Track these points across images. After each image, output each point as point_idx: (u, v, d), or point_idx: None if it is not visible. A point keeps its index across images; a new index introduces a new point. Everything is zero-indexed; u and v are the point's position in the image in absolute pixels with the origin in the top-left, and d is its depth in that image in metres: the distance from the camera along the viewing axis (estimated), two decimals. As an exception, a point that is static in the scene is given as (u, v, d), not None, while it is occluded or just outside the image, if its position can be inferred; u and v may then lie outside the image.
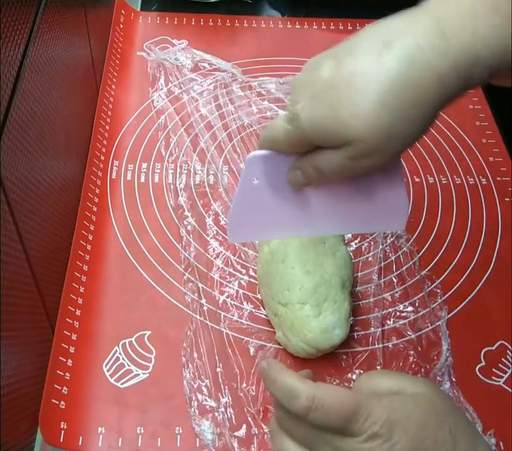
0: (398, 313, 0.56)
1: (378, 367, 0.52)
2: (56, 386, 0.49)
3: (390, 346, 0.54)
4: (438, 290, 0.58)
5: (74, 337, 0.53)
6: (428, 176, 0.68)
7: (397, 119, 0.35)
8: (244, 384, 0.51)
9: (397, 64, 0.34)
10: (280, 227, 0.48)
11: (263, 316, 0.55)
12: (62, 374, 0.50)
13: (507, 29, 0.34)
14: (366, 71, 0.35)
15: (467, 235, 0.63)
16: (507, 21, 0.34)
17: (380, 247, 0.60)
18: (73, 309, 0.54)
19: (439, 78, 0.34)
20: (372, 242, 0.61)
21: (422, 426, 0.36)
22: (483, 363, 0.54)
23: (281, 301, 0.51)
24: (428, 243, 0.61)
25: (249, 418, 0.49)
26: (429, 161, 0.69)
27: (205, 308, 0.55)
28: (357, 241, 0.61)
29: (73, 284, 0.55)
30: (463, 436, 0.37)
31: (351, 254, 0.53)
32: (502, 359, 0.54)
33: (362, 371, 0.52)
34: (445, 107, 0.36)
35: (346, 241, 0.60)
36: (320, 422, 0.35)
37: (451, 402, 0.39)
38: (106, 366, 0.51)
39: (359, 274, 0.58)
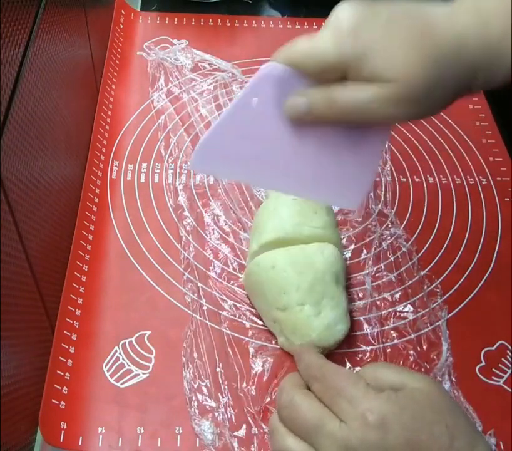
0: (398, 313, 0.56)
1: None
2: (56, 386, 0.49)
3: (390, 346, 0.54)
4: (438, 290, 0.58)
5: (74, 337, 0.53)
6: (428, 176, 0.68)
7: (438, 79, 0.37)
8: (244, 384, 0.51)
9: (450, 43, 0.37)
10: (249, 165, 0.43)
11: (263, 316, 0.55)
12: (62, 374, 0.50)
13: None
14: (429, 23, 0.38)
15: (467, 235, 0.63)
16: None
17: (377, 247, 0.60)
18: (73, 309, 0.54)
19: (472, 75, 0.38)
20: (370, 243, 0.61)
21: (417, 419, 0.37)
22: (483, 363, 0.54)
23: (279, 306, 0.50)
24: (428, 243, 0.61)
25: (249, 418, 0.49)
26: (429, 161, 0.69)
27: (205, 308, 0.55)
28: (353, 245, 0.61)
29: (73, 284, 0.55)
30: (461, 432, 0.37)
31: (341, 252, 0.53)
32: (502, 359, 0.54)
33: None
34: (463, 94, 0.40)
35: (343, 244, 0.60)
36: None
37: (451, 400, 0.40)
38: (106, 366, 0.51)
39: (358, 274, 0.58)
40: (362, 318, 0.55)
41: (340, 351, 0.53)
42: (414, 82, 0.36)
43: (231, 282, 0.57)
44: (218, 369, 0.51)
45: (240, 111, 0.40)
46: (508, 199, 0.66)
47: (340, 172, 0.44)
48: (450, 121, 0.73)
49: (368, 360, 0.53)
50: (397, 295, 0.57)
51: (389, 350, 0.54)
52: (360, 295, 0.57)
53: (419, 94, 0.37)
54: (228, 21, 0.83)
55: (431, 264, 0.60)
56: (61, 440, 0.47)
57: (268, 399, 0.50)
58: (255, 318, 0.55)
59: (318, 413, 0.39)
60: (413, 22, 0.38)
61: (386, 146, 0.42)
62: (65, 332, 0.52)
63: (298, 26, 0.84)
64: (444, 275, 0.59)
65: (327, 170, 0.44)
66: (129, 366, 0.51)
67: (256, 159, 0.42)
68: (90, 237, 0.59)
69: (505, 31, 0.37)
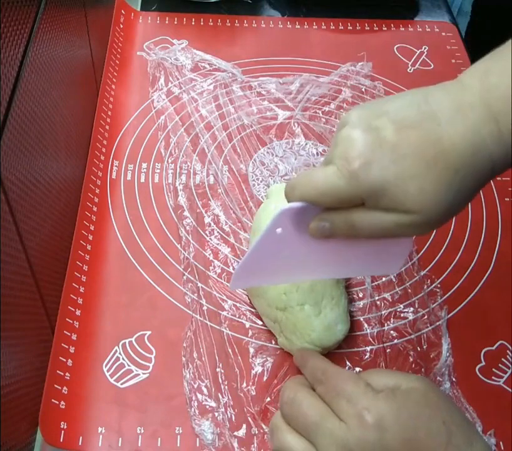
0: (398, 313, 0.56)
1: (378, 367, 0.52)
2: (56, 386, 0.49)
3: (390, 346, 0.54)
4: (438, 290, 0.58)
5: (74, 337, 0.53)
6: (428, 176, 0.68)
7: (456, 199, 0.37)
8: (244, 384, 0.51)
9: (463, 152, 0.36)
10: (285, 273, 0.47)
11: (263, 316, 0.55)
12: (62, 374, 0.50)
13: None
14: (437, 137, 0.36)
15: (467, 235, 0.63)
16: None
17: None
18: (73, 309, 0.54)
19: (492, 165, 0.37)
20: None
21: (414, 417, 0.37)
22: (483, 363, 0.54)
23: (279, 306, 0.51)
24: (428, 243, 0.61)
25: (249, 418, 0.49)
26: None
27: (205, 308, 0.55)
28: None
29: (73, 284, 0.55)
30: (459, 429, 0.37)
31: None
32: (502, 359, 0.54)
33: (361, 370, 0.52)
34: (484, 185, 0.39)
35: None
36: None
37: (446, 397, 0.40)
38: (106, 366, 0.51)
39: (359, 274, 0.58)
40: (362, 318, 0.55)
41: (340, 351, 0.53)
42: (433, 212, 0.37)
43: (231, 282, 0.57)
44: (218, 369, 0.51)
45: (266, 239, 0.42)
46: (508, 199, 0.66)
47: (374, 253, 0.45)
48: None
49: (368, 360, 0.53)
50: (397, 296, 0.57)
51: (388, 350, 0.54)
52: (360, 295, 0.57)
53: (441, 217, 0.37)
54: (228, 21, 0.83)
55: (431, 264, 0.60)
56: (61, 440, 0.47)
57: (268, 399, 0.50)
58: (255, 318, 0.55)
59: (318, 411, 0.39)
60: (421, 138, 0.36)
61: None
62: (65, 332, 0.52)
63: (298, 26, 0.84)
64: (444, 275, 0.59)
65: (361, 255, 0.45)
66: (129, 366, 0.51)
67: (288, 267, 0.46)
68: (90, 237, 0.59)
69: None
